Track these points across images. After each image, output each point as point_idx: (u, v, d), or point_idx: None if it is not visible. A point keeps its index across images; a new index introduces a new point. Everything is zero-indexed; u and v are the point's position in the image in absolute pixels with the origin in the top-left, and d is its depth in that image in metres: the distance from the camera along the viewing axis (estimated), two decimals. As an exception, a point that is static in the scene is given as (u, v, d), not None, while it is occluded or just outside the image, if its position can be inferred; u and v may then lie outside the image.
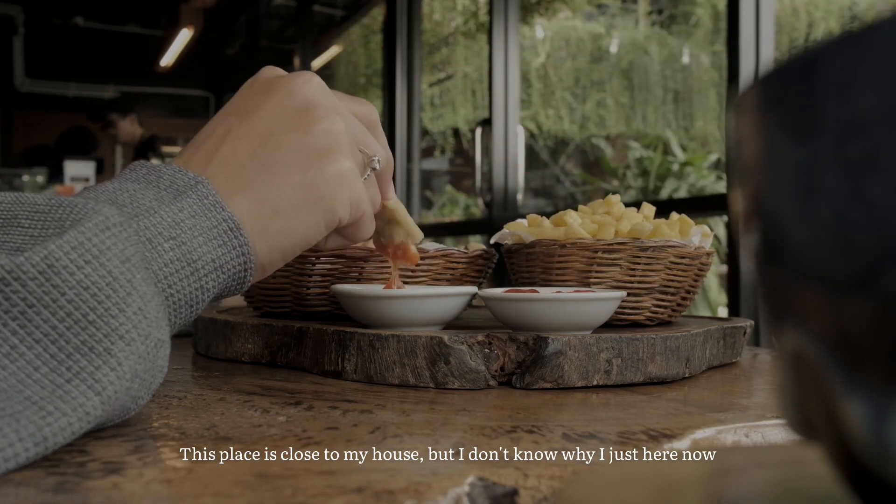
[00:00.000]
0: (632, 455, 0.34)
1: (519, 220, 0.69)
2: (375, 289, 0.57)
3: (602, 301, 0.54)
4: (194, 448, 0.33)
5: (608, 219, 0.64)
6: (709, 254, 0.65)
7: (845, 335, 0.15)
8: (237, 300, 0.83)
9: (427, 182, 7.46)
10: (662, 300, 0.63)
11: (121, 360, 0.31)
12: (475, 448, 0.34)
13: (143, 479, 0.28)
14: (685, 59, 6.91)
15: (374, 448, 0.34)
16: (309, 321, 0.63)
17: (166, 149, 5.53)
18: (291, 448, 0.33)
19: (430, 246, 0.66)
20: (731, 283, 1.77)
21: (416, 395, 0.47)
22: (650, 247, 0.61)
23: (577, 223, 0.64)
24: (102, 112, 4.92)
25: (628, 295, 0.62)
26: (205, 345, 0.65)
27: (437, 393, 0.48)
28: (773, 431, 0.40)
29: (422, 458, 0.32)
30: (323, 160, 0.45)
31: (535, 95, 6.94)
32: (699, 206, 2.13)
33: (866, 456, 0.15)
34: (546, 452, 0.33)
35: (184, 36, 6.25)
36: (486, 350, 0.50)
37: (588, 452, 0.34)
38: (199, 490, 0.27)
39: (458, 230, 3.91)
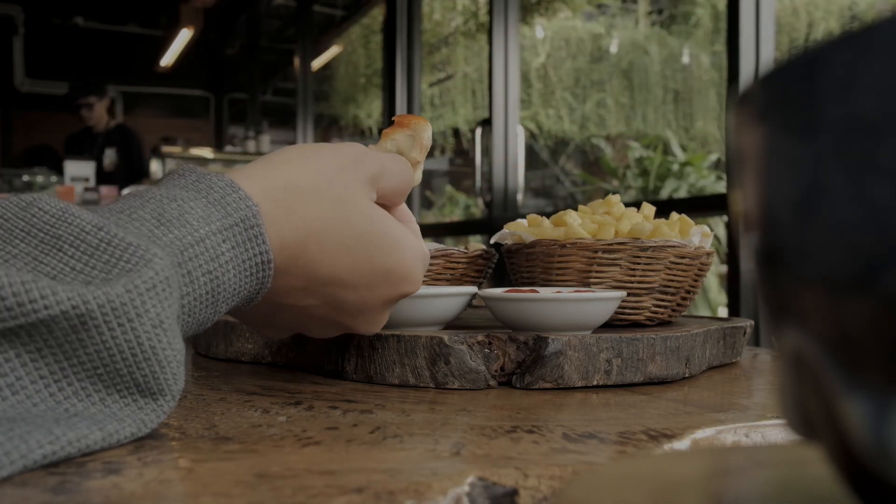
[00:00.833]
0: (632, 455, 0.34)
1: (519, 220, 0.69)
2: None
3: (602, 301, 0.54)
4: (194, 448, 0.33)
5: (608, 219, 0.64)
6: (709, 254, 0.65)
7: (845, 335, 0.15)
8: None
9: (427, 182, 7.47)
10: (662, 300, 0.63)
11: (129, 422, 0.33)
12: (475, 448, 0.34)
13: (143, 479, 0.28)
14: (685, 59, 6.91)
15: (374, 448, 0.34)
16: (309, 321, 0.63)
17: (166, 149, 5.51)
18: (291, 448, 0.33)
19: (431, 246, 0.66)
20: (731, 283, 1.77)
21: (416, 395, 0.47)
22: (650, 247, 0.61)
23: (577, 223, 0.64)
24: (78, 95, 4.65)
25: (628, 295, 0.62)
26: (205, 345, 0.65)
27: (437, 393, 0.48)
28: (773, 431, 0.40)
29: (422, 458, 0.32)
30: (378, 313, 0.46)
31: (535, 95, 6.94)
32: (699, 206, 2.13)
33: (866, 456, 0.15)
34: (546, 452, 0.33)
35: (184, 36, 6.25)
36: (486, 350, 0.50)
37: (588, 452, 0.34)
38: (199, 490, 0.27)
39: (458, 230, 3.91)
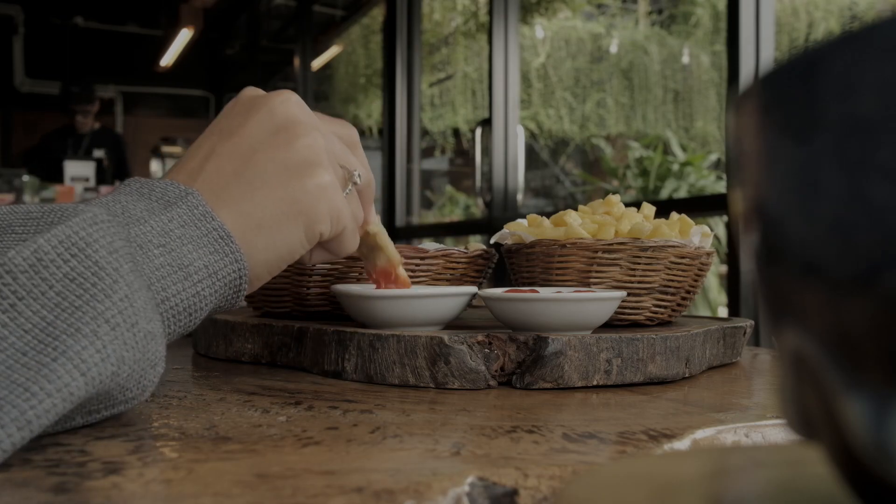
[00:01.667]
0: (632, 455, 0.34)
1: (519, 220, 0.69)
2: (375, 289, 0.57)
3: (602, 301, 0.54)
4: (194, 448, 0.33)
5: (608, 219, 0.64)
6: (709, 254, 0.65)
7: (845, 335, 0.15)
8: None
9: (427, 182, 7.46)
10: (662, 300, 0.63)
11: (106, 342, 0.32)
12: (475, 448, 0.34)
13: (143, 479, 0.28)
14: (685, 59, 6.91)
15: (374, 448, 0.34)
16: (309, 321, 0.63)
17: (166, 149, 5.50)
18: (291, 448, 0.33)
19: (430, 246, 0.66)
20: (731, 283, 1.77)
21: (416, 395, 0.47)
22: (650, 247, 0.61)
23: (577, 223, 0.64)
24: (81, 101, 4.63)
25: (628, 295, 0.62)
26: (205, 345, 0.65)
27: (437, 393, 0.48)
28: (773, 431, 0.40)
29: (422, 458, 0.32)
30: (303, 174, 0.45)
31: (535, 95, 6.94)
32: (699, 206, 2.13)
33: (866, 456, 0.15)
34: (546, 452, 0.33)
35: (184, 36, 6.25)
36: (486, 350, 0.50)
37: (588, 452, 0.34)
38: (199, 490, 0.27)
39: (458, 230, 3.91)
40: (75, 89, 4.58)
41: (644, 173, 5.37)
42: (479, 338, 0.50)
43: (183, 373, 0.57)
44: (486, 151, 2.88)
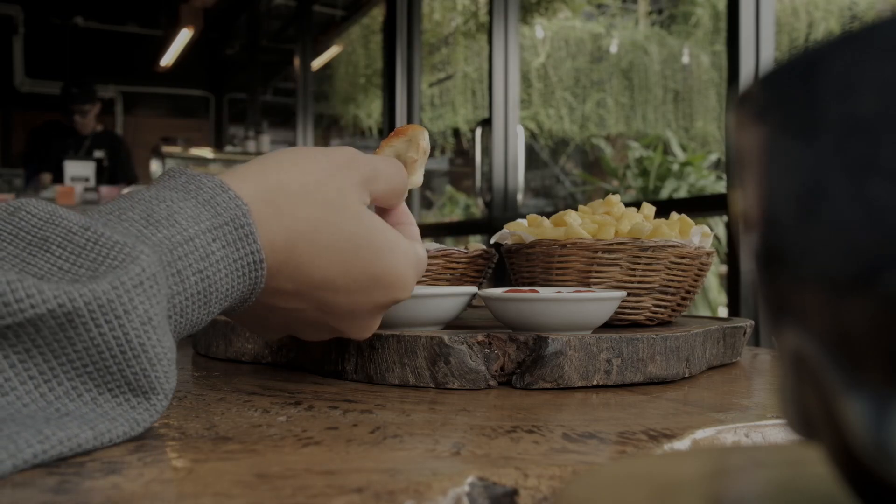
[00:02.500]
0: (632, 455, 0.34)
1: (519, 220, 0.69)
2: None
3: (602, 301, 0.54)
4: (194, 448, 0.33)
5: (608, 219, 0.64)
6: (709, 254, 0.65)
7: (845, 335, 0.15)
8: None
9: (427, 182, 7.46)
10: (662, 300, 0.63)
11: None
12: (475, 448, 0.34)
13: (143, 479, 0.28)
14: (685, 59, 6.91)
15: (374, 448, 0.34)
16: (309, 321, 0.63)
17: (166, 149, 5.50)
18: (291, 448, 0.33)
19: (431, 246, 0.66)
20: (731, 283, 1.77)
21: (416, 395, 0.47)
22: (650, 247, 0.61)
23: (577, 223, 0.64)
24: (79, 101, 4.62)
25: (628, 295, 0.62)
26: (205, 345, 0.65)
27: (437, 393, 0.48)
28: (773, 431, 0.40)
29: (422, 458, 0.32)
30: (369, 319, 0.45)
31: (535, 95, 6.94)
32: (699, 206, 2.13)
33: (866, 456, 0.15)
34: (546, 452, 0.33)
35: (184, 36, 6.25)
36: (486, 350, 0.50)
37: (588, 452, 0.34)
38: (199, 490, 0.27)
39: (458, 230, 3.91)
40: (74, 90, 4.57)
41: (644, 173, 5.37)
42: (479, 338, 0.50)
43: (183, 373, 0.57)
44: (486, 151, 2.88)
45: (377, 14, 5.63)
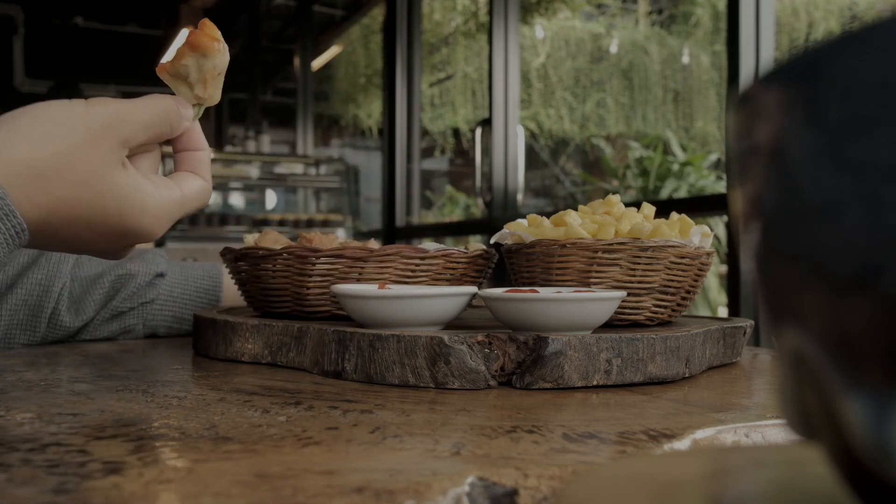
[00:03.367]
0: (632, 455, 0.34)
1: (519, 220, 0.69)
2: (375, 289, 0.57)
3: (602, 301, 0.54)
4: (194, 448, 0.33)
5: (608, 219, 0.64)
6: (709, 254, 0.65)
7: (845, 335, 0.15)
8: (237, 300, 0.83)
9: (427, 182, 7.47)
10: (662, 300, 0.63)
11: None
12: (475, 448, 0.34)
13: (143, 479, 0.28)
14: (685, 59, 6.91)
15: (374, 448, 0.34)
16: (309, 321, 0.63)
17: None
18: (291, 448, 0.33)
19: (431, 246, 0.66)
20: (731, 283, 1.77)
21: (416, 395, 0.47)
22: (650, 247, 0.61)
23: (577, 223, 0.64)
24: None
25: (628, 295, 0.62)
26: (205, 345, 0.65)
27: (437, 393, 0.48)
28: (773, 431, 0.40)
29: (422, 458, 0.32)
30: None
31: (535, 95, 6.94)
32: (699, 206, 2.13)
33: (866, 456, 0.15)
34: (546, 452, 0.33)
35: (184, 36, 6.25)
36: (486, 350, 0.50)
37: (588, 452, 0.34)
38: (199, 490, 0.27)
39: (458, 230, 3.91)
40: (52, 94, 4.55)
41: (644, 173, 5.37)
42: (479, 338, 0.50)
43: (183, 373, 0.57)
44: (486, 151, 2.88)
45: (377, 14, 5.62)
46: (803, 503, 0.20)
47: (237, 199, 5.48)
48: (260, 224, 4.47)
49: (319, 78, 6.73)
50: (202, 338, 0.66)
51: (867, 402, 0.15)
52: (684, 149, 5.84)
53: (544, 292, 0.57)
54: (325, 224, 4.61)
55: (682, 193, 5.13)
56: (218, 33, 0.51)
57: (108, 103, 0.45)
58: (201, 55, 0.50)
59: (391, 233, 3.58)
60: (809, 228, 0.16)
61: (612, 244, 0.61)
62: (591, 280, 0.61)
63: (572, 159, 7.40)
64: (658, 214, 0.70)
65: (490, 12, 2.87)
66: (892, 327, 0.14)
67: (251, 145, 5.83)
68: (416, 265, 0.64)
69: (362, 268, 0.64)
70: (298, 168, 4.98)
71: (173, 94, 0.51)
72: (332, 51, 6.41)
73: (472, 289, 0.58)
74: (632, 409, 0.44)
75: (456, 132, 7.23)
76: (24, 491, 0.27)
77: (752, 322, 0.67)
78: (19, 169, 0.42)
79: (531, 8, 6.64)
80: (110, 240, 0.46)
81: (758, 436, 0.40)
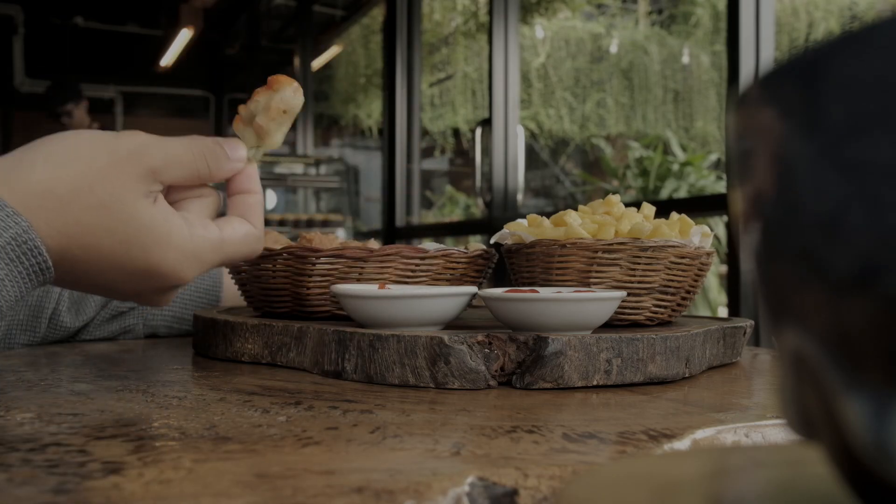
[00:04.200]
0: (632, 455, 0.34)
1: (519, 220, 0.69)
2: (375, 289, 0.57)
3: (602, 301, 0.54)
4: (194, 448, 0.33)
5: (608, 219, 0.64)
6: (709, 254, 0.65)
7: (845, 335, 0.15)
8: (237, 300, 0.83)
9: (427, 182, 7.46)
10: (662, 300, 0.63)
11: None
12: (475, 448, 0.34)
13: (143, 479, 0.28)
14: (685, 59, 6.91)
15: (374, 448, 0.34)
16: (309, 321, 0.63)
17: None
18: (291, 448, 0.33)
19: (430, 246, 0.66)
20: (731, 283, 1.77)
21: (416, 395, 0.47)
22: (650, 247, 0.61)
23: (577, 223, 0.64)
24: (56, 103, 4.57)
25: (628, 295, 0.62)
26: (205, 345, 0.65)
27: (437, 393, 0.48)
28: (773, 431, 0.40)
29: (422, 458, 0.32)
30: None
31: (535, 95, 6.94)
32: (699, 206, 2.13)
33: (866, 456, 0.15)
34: (546, 452, 0.33)
35: (184, 36, 6.24)
36: (486, 350, 0.50)
37: (588, 452, 0.34)
38: (199, 490, 0.27)
39: (458, 230, 3.91)
40: (51, 92, 4.53)
41: (644, 173, 5.37)
42: (479, 338, 0.50)
43: (183, 373, 0.57)
44: (486, 151, 2.88)
45: (377, 14, 5.63)
46: (803, 503, 0.20)
47: (237, 199, 5.47)
48: (260, 224, 4.46)
49: (319, 78, 6.73)
50: (202, 338, 0.66)
51: (867, 402, 0.15)
52: (684, 149, 5.84)
53: (544, 292, 0.57)
54: (325, 224, 4.61)
55: (682, 193, 5.13)
56: (296, 81, 0.51)
57: (139, 135, 0.44)
58: (273, 91, 0.50)
59: (391, 233, 3.58)
60: (809, 228, 0.16)
61: (612, 244, 0.61)
62: (591, 280, 0.61)
63: (572, 159, 7.40)
64: (658, 214, 0.70)
65: (490, 12, 2.87)
66: (892, 327, 0.14)
67: (251, 145, 5.81)
68: (416, 265, 0.64)
69: (362, 268, 0.64)
70: (298, 168, 4.98)
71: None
72: (332, 51, 6.41)
73: (472, 289, 0.58)
74: (632, 409, 0.44)
75: (456, 132, 7.23)
76: (24, 491, 0.27)
77: (752, 322, 0.67)
78: (38, 190, 0.40)
79: (531, 8, 6.64)
80: (137, 278, 0.44)
81: (758, 436, 0.40)
